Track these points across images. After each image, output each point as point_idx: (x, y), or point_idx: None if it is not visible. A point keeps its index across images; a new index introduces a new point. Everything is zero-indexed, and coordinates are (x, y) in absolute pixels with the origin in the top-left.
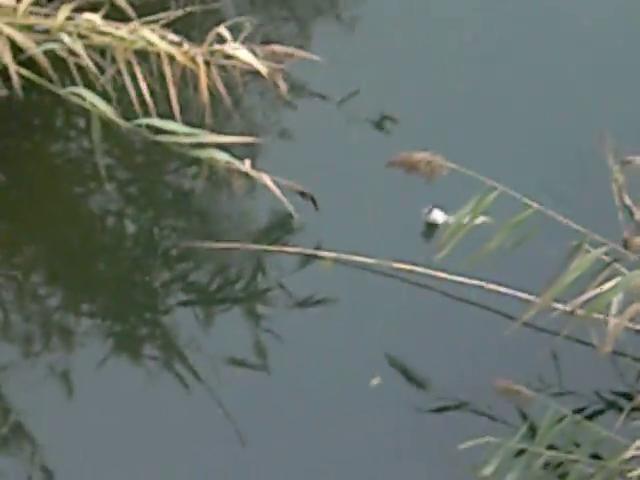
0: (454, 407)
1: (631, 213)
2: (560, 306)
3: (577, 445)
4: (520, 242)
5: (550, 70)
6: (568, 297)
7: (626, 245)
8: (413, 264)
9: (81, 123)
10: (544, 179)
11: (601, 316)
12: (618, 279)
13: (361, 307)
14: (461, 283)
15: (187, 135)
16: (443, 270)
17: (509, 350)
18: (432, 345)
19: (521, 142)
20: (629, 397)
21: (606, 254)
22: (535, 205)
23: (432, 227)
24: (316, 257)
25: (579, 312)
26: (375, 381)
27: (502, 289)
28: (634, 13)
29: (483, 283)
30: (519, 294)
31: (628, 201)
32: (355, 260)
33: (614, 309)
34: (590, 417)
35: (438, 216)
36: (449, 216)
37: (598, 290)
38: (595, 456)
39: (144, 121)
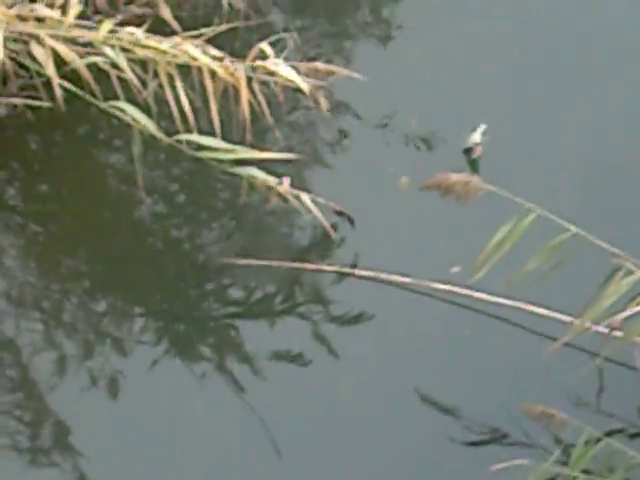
0: (488, 431)
1: None
2: (598, 327)
3: (611, 470)
4: (557, 265)
5: (591, 89)
6: (607, 316)
7: None
8: (450, 284)
9: (123, 136)
10: (585, 197)
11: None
12: None
13: (397, 325)
14: (498, 304)
15: (227, 151)
16: (481, 290)
17: (548, 371)
18: (466, 367)
19: (563, 164)
20: None
21: None
22: (573, 228)
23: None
24: (353, 275)
25: (617, 333)
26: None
27: (539, 310)
28: None
29: (520, 304)
30: (557, 315)
31: None
32: (393, 279)
33: None
34: (627, 440)
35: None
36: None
37: (636, 309)
38: None
39: (184, 137)
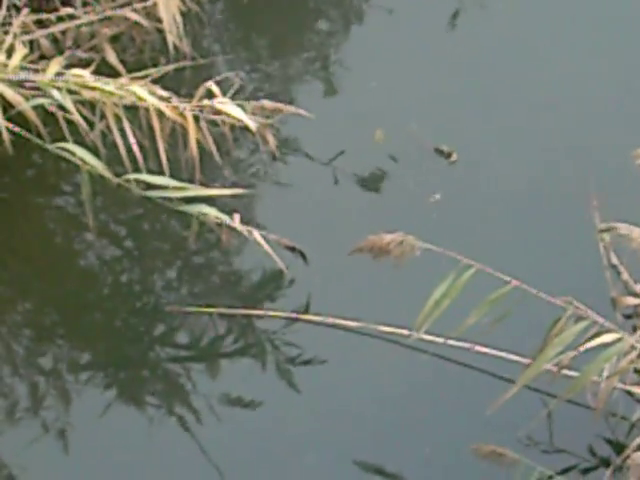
0: (439, 471)
1: (618, 273)
2: (549, 366)
3: None
4: (501, 319)
5: (521, 140)
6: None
7: (614, 304)
8: (400, 327)
9: (71, 178)
10: (530, 235)
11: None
12: (606, 345)
13: (348, 368)
14: (449, 345)
15: (176, 189)
16: (432, 333)
17: (497, 411)
18: (418, 408)
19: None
20: (618, 454)
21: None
22: (514, 282)
23: None
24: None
25: (566, 372)
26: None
27: (491, 351)
28: None
29: (471, 345)
30: (509, 356)
31: (615, 260)
32: (340, 324)
33: (606, 371)
34: (579, 476)
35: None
36: None
37: (586, 347)
38: None
39: (133, 176)
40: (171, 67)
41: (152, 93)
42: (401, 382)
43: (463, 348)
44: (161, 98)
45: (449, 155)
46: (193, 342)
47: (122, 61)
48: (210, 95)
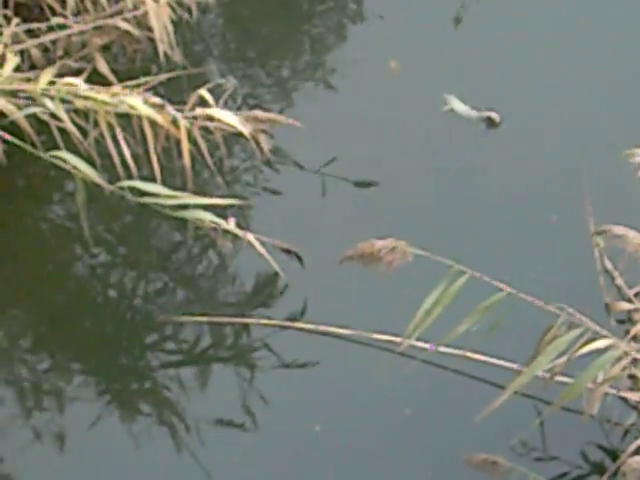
0: None
1: (612, 278)
2: (542, 373)
3: None
4: (495, 327)
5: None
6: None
7: (608, 310)
8: (393, 334)
9: (65, 186)
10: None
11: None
12: (599, 352)
13: (340, 375)
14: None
15: (170, 197)
16: (425, 340)
17: (490, 419)
18: (410, 416)
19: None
20: (613, 460)
21: (586, 329)
22: (507, 289)
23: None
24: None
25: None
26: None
27: (483, 358)
28: None
29: (463, 352)
30: (502, 363)
31: (609, 265)
32: (333, 332)
33: (599, 377)
34: None
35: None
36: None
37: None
38: None
39: (126, 183)
40: (164, 76)
41: (145, 101)
42: (393, 389)
43: (454, 355)
44: (154, 106)
45: None
46: (186, 350)
47: (113, 70)
48: (204, 103)
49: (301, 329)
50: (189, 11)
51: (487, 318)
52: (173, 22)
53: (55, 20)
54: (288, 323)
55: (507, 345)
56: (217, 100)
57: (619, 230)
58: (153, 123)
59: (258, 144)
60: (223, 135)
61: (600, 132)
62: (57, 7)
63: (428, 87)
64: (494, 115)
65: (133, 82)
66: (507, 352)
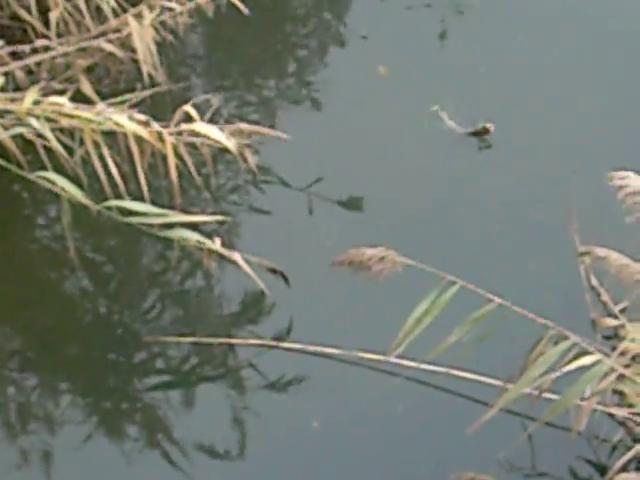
0: None
1: (598, 294)
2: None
3: None
4: (482, 339)
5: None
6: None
7: (594, 326)
8: (378, 352)
9: (52, 207)
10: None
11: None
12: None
13: (327, 393)
14: (428, 371)
15: (157, 216)
16: (411, 358)
17: (478, 437)
18: (397, 432)
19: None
20: (601, 475)
21: (573, 344)
22: (497, 300)
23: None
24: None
25: (547, 395)
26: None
27: (469, 375)
28: None
29: (449, 370)
30: (487, 380)
31: (595, 282)
32: (320, 351)
33: (587, 392)
34: None
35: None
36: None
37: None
38: None
39: (113, 203)
40: (148, 92)
41: (130, 118)
42: (380, 406)
43: (438, 372)
44: (139, 123)
45: None
46: (173, 370)
47: (97, 92)
48: (189, 119)
49: (289, 349)
50: (173, 32)
51: (474, 331)
52: (157, 43)
53: (39, 42)
54: (274, 343)
55: (490, 361)
56: (202, 117)
57: (602, 252)
58: (139, 140)
59: (244, 159)
60: (210, 153)
61: (588, 148)
62: (41, 29)
63: (414, 102)
64: (483, 127)
65: (117, 99)
66: (491, 368)
